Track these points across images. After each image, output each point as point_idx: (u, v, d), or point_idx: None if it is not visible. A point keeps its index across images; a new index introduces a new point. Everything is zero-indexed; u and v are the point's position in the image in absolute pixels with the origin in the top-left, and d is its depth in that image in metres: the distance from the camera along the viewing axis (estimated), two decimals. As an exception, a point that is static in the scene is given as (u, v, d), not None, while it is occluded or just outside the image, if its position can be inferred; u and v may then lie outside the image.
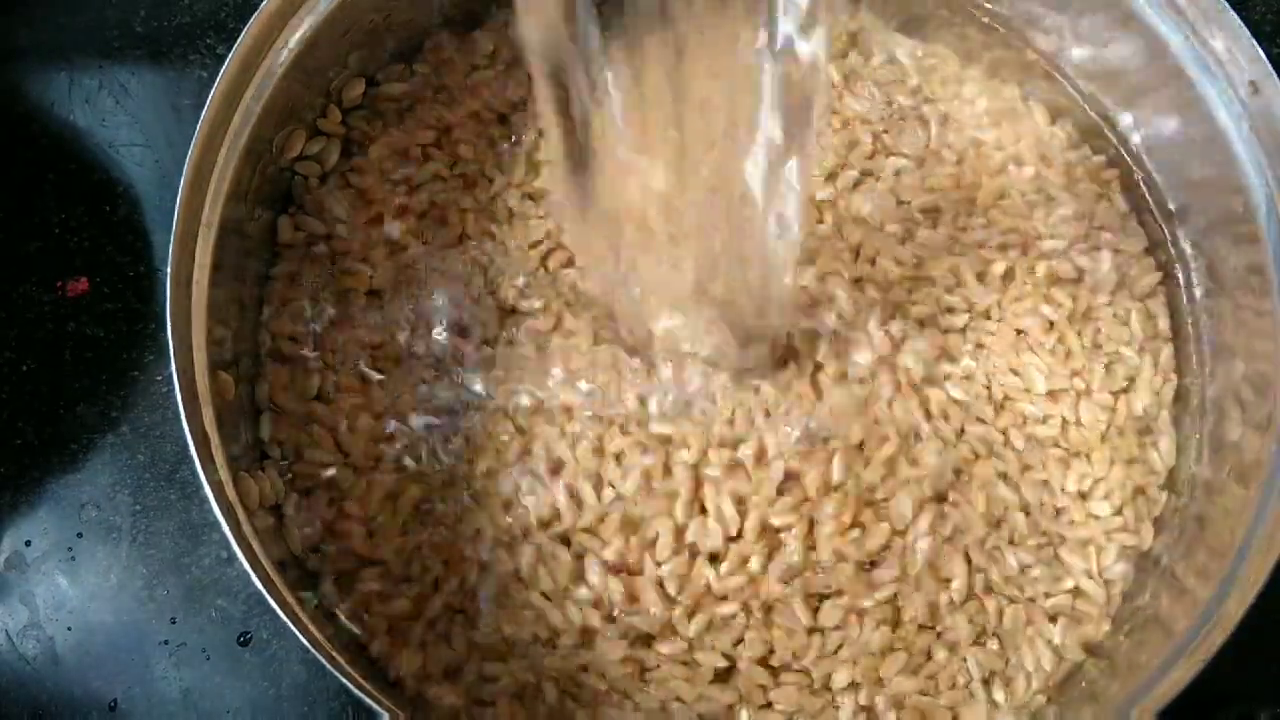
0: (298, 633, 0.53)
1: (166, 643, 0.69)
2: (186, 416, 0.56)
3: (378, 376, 0.68)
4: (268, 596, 0.53)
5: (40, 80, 0.80)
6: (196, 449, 0.56)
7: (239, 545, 0.54)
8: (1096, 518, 0.67)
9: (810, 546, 0.65)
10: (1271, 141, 0.63)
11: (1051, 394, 0.69)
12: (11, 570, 0.70)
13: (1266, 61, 0.62)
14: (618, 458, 0.66)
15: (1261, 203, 0.64)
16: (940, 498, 0.66)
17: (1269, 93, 0.62)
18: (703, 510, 0.65)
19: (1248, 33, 0.62)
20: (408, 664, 0.62)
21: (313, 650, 0.53)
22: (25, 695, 0.68)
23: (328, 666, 0.53)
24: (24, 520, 0.71)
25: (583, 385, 0.67)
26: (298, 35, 0.65)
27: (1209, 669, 0.55)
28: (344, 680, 0.53)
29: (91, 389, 0.73)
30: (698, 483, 0.65)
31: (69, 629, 0.69)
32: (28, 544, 0.71)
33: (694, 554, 0.64)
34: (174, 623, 0.69)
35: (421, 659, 0.63)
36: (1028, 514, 0.67)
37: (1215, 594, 0.59)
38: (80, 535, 0.71)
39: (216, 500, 0.55)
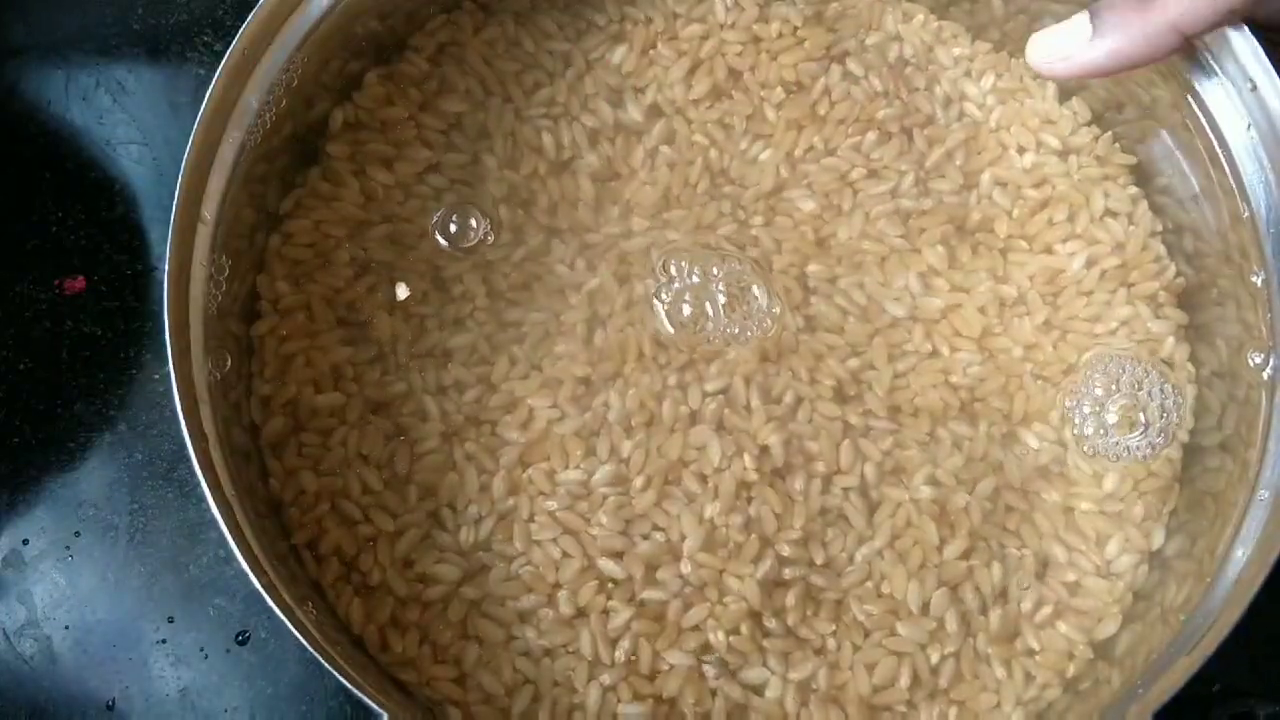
0: (296, 633, 0.53)
1: (164, 641, 0.69)
2: (184, 415, 0.56)
3: (382, 374, 0.68)
4: (266, 597, 0.53)
5: (37, 78, 0.80)
6: (194, 448, 0.55)
7: (237, 545, 0.54)
8: (1105, 514, 0.67)
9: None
10: (1272, 140, 0.63)
11: (1059, 388, 0.69)
12: (9, 569, 0.70)
13: (1267, 60, 0.62)
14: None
15: (1262, 201, 0.64)
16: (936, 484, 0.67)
17: (1268, 92, 0.62)
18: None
19: (1249, 32, 0.62)
20: (415, 662, 0.63)
21: (311, 650, 0.53)
22: (23, 694, 0.68)
23: (327, 667, 0.52)
24: (21, 519, 0.71)
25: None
26: (297, 32, 0.65)
27: (1208, 666, 0.55)
28: (343, 680, 0.53)
29: (89, 387, 0.73)
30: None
31: (66, 628, 0.69)
32: (25, 543, 0.71)
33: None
34: (172, 622, 0.69)
35: (424, 649, 0.63)
36: (1037, 508, 0.67)
37: (1211, 596, 0.59)
38: (78, 534, 0.71)
39: (214, 500, 0.55)
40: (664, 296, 0.69)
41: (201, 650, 0.69)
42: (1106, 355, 0.68)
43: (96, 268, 0.75)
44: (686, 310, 0.69)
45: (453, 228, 0.70)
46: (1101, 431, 0.67)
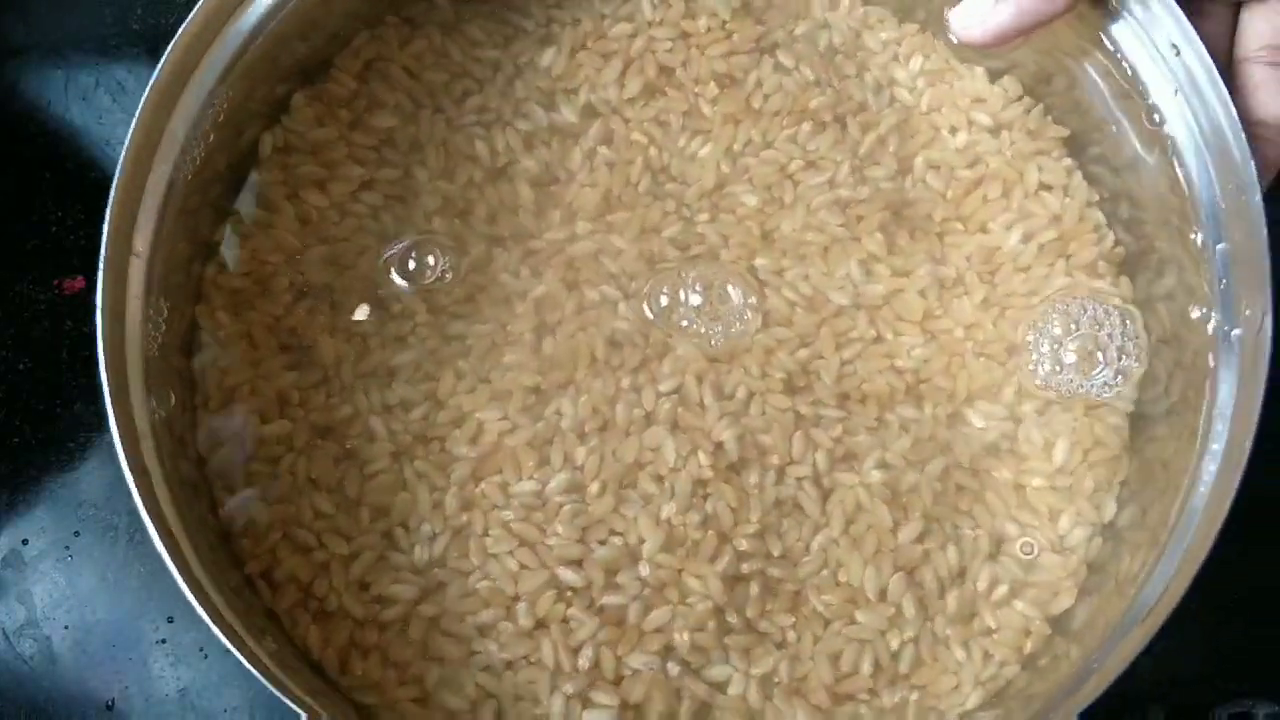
0: (248, 665, 0.53)
1: (164, 641, 0.70)
2: (125, 454, 0.56)
3: (328, 397, 0.67)
4: (216, 630, 0.53)
5: (37, 78, 0.81)
6: (136, 484, 0.56)
7: (183, 579, 0.54)
8: (1055, 488, 0.67)
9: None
10: (1199, 103, 0.63)
11: (1003, 364, 0.69)
12: (9, 569, 0.71)
13: (1188, 25, 0.62)
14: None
15: (1193, 164, 0.64)
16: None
17: (1190, 55, 0.62)
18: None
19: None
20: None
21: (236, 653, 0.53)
22: (22, 695, 0.69)
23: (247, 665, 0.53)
24: (21, 519, 0.72)
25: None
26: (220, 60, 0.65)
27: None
28: (263, 679, 0.53)
29: (89, 387, 0.74)
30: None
31: (66, 628, 0.70)
32: (25, 543, 0.72)
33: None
34: (171, 621, 0.70)
35: (386, 672, 0.63)
36: (988, 486, 0.67)
37: (1163, 563, 0.59)
38: (78, 534, 0.72)
39: (159, 534, 0.55)
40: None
41: (201, 650, 0.69)
42: (1069, 296, 0.69)
43: (96, 268, 0.75)
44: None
45: (411, 264, 0.69)
46: (1058, 369, 0.67)
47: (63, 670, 0.69)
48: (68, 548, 0.71)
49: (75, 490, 0.72)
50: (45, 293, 0.75)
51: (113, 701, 0.69)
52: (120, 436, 0.57)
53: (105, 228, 0.59)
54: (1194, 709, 0.64)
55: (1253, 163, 0.60)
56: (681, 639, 0.63)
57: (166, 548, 0.55)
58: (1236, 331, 0.61)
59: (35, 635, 0.70)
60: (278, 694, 0.53)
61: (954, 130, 0.73)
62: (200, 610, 0.53)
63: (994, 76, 0.73)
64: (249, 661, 0.53)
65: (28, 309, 0.75)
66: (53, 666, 0.69)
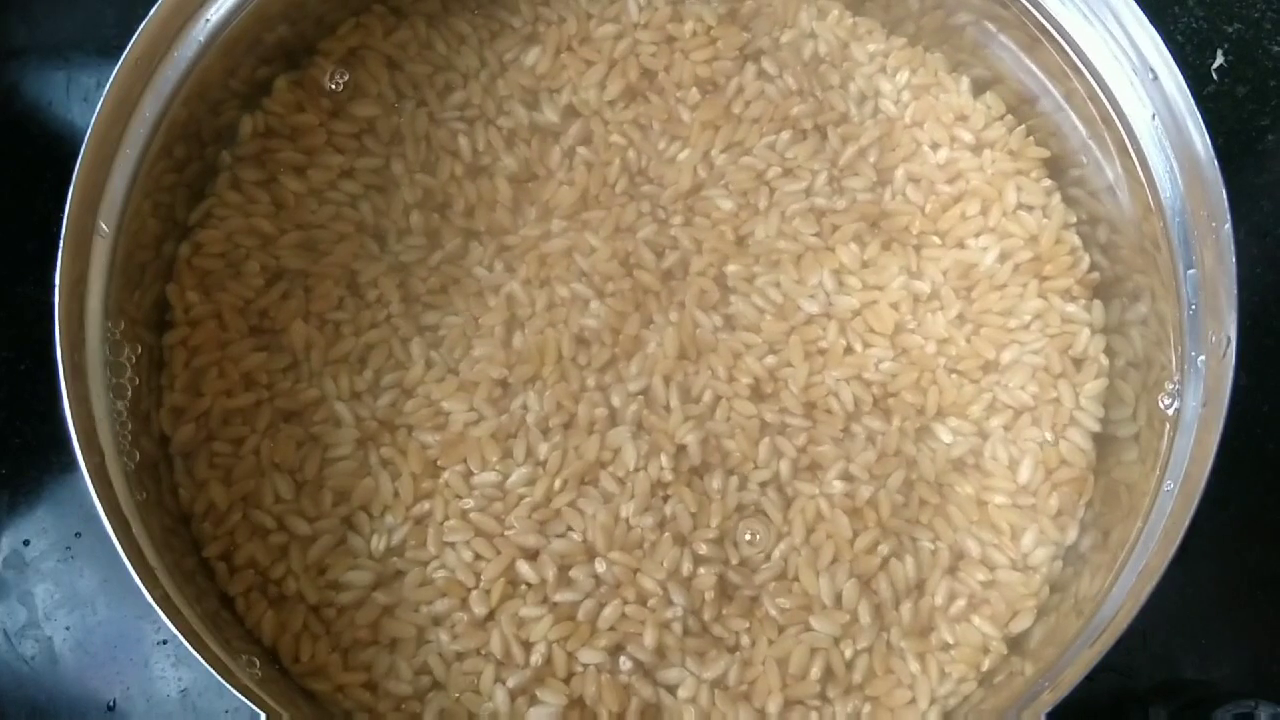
0: (195, 652, 0.53)
1: (165, 642, 0.70)
2: (77, 432, 0.56)
3: (295, 382, 0.67)
4: (159, 610, 0.53)
5: (38, 79, 0.81)
6: (86, 462, 0.55)
7: (131, 563, 0.54)
8: (1018, 507, 0.67)
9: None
10: (1174, 129, 0.63)
11: (975, 382, 0.69)
12: (10, 570, 0.71)
13: (1166, 50, 0.62)
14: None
15: (1168, 189, 0.64)
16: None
17: (1168, 81, 0.63)
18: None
19: (1149, 23, 0.63)
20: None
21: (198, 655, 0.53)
22: (23, 695, 0.69)
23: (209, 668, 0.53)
24: (23, 520, 0.72)
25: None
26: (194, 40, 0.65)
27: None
28: (223, 680, 0.53)
29: None
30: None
31: (67, 629, 0.70)
32: (26, 543, 0.72)
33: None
34: None
35: (334, 656, 0.63)
36: (950, 501, 0.67)
37: (1118, 587, 0.59)
38: (79, 535, 0.72)
39: (107, 514, 0.55)
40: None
41: (202, 651, 0.69)
42: None
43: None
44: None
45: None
46: None
47: (64, 671, 0.69)
48: (69, 548, 0.71)
49: (76, 491, 0.72)
50: (46, 294, 0.74)
51: (114, 702, 0.69)
52: (72, 415, 0.57)
53: (68, 204, 0.58)
54: (1196, 709, 0.64)
55: (1224, 191, 0.61)
56: (632, 639, 0.63)
57: (116, 533, 0.55)
58: (1202, 358, 0.61)
59: (37, 636, 0.70)
60: (237, 693, 0.54)
61: (935, 146, 0.73)
62: (147, 595, 0.53)
63: (979, 89, 0.74)
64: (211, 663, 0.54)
65: (28, 310, 0.75)
66: (54, 667, 0.70)
